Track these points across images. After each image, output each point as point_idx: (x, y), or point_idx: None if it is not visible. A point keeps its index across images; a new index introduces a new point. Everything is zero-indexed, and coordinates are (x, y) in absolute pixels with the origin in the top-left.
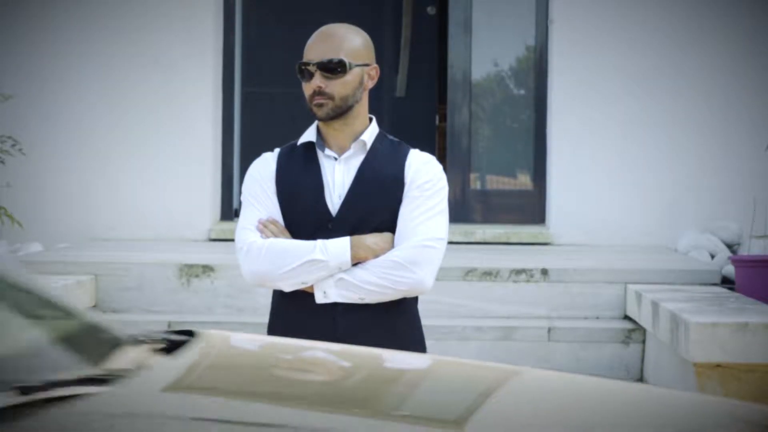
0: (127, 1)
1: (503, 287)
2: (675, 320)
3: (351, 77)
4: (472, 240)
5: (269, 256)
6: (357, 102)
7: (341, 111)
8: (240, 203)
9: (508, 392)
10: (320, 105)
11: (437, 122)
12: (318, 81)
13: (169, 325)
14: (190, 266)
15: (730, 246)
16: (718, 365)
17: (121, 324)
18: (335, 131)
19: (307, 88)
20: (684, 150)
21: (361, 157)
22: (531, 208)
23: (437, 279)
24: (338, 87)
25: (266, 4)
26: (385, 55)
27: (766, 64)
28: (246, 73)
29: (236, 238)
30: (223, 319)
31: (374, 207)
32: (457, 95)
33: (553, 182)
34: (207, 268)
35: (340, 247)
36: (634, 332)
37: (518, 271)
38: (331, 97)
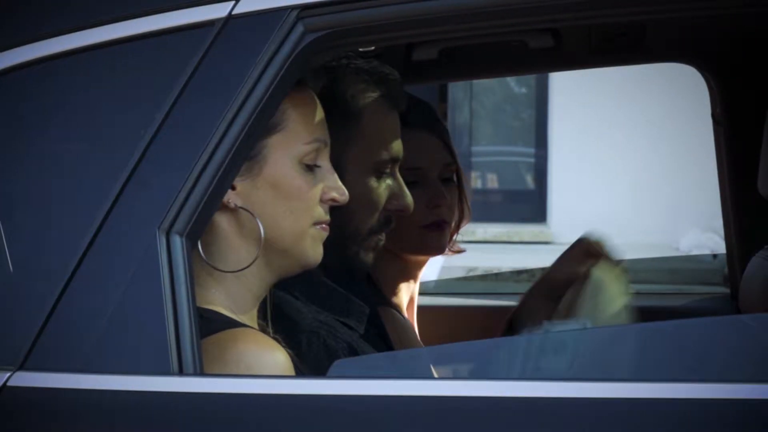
0: None
1: (504, 286)
2: None
3: None
4: (473, 239)
5: None
6: None
7: None
8: None
9: None
10: None
11: None
12: None
13: None
14: None
15: None
16: None
17: None
18: None
19: None
20: (686, 148)
21: None
22: (532, 207)
23: (438, 278)
24: None
25: None
26: None
27: None
28: None
29: None
30: None
31: None
32: (457, 93)
33: (554, 181)
34: None
35: None
36: None
37: (519, 270)
38: None
